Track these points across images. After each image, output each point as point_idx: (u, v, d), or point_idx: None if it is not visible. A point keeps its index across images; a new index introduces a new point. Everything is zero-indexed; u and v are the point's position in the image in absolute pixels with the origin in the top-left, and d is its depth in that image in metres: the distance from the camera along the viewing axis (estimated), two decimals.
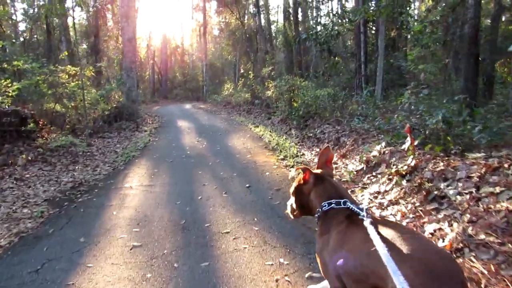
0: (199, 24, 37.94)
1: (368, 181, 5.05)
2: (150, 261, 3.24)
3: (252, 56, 23.21)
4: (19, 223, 4.40)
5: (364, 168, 5.47)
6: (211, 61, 36.69)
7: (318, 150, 7.83)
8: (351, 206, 1.77)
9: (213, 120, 16.17)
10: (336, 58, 22.89)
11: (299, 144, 8.90)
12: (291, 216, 2.21)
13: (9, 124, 8.02)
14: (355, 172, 5.53)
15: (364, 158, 5.56)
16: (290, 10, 24.93)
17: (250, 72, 21.80)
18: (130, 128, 13.08)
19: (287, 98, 12.81)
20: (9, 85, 5.78)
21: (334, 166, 6.24)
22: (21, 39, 20.32)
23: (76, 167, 7.39)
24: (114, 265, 3.20)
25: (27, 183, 6.08)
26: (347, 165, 6.12)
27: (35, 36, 20.97)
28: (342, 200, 1.81)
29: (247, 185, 5.57)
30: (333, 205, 1.81)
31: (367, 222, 1.56)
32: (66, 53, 9.32)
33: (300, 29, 25.35)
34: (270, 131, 11.17)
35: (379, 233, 1.47)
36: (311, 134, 9.35)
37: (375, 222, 1.59)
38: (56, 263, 3.27)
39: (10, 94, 5.65)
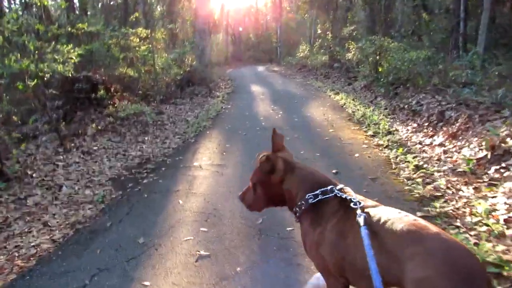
0: None
1: (497, 175, 3.86)
2: (220, 283, 2.52)
3: (331, 14, 21.42)
4: (79, 208, 3.95)
5: (489, 156, 4.25)
6: (285, 21, 35.05)
7: (415, 125, 6.60)
8: (340, 193, 1.57)
9: (288, 85, 15.16)
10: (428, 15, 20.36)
11: (389, 117, 7.67)
12: (249, 209, 1.90)
13: (80, 91, 7.79)
14: (475, 161, 4.33)
15: (489, 143, 4.33)
16: None
17: (328, 32, 20.17)
18: (202, 94, 12.60)
19: (372, 61, 11.36)
20: (71, 50, 5.34)
21: (442, 148, 5.10)
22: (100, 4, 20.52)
23: (146, 138, 6.96)
24: (175, 286, 2.53)
25: (94, 157, 5.71)
26: (460, 149, 4.90)
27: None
28: (329, 188, 1.61)
29: (334, 171, 4.65)
30: (319, 196, 1.59)
31: (359, 212, 1.41)
32: (137, 15, 8.79)
33: None
34: (353, 100, 9.96)
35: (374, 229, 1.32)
36: (403, 105, 8.03)
37: (369, 212, 1.42)
38: (107, 277, 2.67)
39: (73, 61, 5.22)
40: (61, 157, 5.47)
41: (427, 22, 16.31)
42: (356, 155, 5.30)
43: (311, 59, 20.77)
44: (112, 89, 8.67)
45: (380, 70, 11.29)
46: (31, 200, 4.09)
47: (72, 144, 6.08)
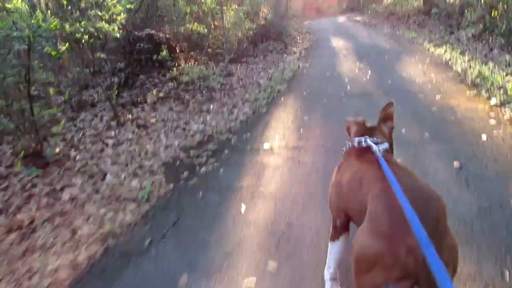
0: None
1: None
2: None
3: None
4: (119, 209, 3.15)
5: None
6: None
7: None
8: (364, 141, 1.75)
9: (375, 37, 13.23)
10: None
11: None
12: None
13: (141, 52, 7.01)
14: None
15: None
16: None
17: None
18: (277, 50, 11.33)
19: (485, 4, 9.13)
20: (117, 5, 4.43)
21: None
22: None
23: (211, 107, 6.03)
24: None
25: (150, 132, 4.91)
26: None
27: None
28: (363, 138, 1.77)
29: (456, 164, 3.32)
30: (355, 143, 1.80)
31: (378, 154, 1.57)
32: None
33: None
34: (461, 54, 8.07)
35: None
36: None
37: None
38: None
39: (119, 18, 4.34)
40: (113, 132, 4.74)
41: None
42: (483, 136, 3.85)
43: (400, 5, 18.17)
44: (178, 48, 7.80)
45: (495, 14, 9.08)
46: (67, 192, 3.39)
47: (129, 116, 5.34)
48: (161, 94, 6.26)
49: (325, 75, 7.92)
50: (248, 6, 11.70)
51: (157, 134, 4.84)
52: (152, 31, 7.27)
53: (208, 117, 5.56)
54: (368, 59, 9.05)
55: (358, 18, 24.06)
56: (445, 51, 8.56)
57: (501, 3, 8.90)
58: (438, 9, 13.17)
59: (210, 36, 9.33)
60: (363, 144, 1.73)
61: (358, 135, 1.84)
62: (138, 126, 4.94)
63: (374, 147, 1.64)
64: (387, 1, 21.34)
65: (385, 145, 1.67)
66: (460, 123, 4.30)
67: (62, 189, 3.44)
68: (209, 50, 8.90)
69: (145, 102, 5.92)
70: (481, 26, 9.49)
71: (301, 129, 4.68)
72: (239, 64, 9.43)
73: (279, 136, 4.51)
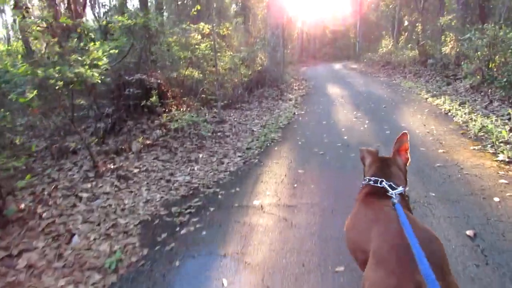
0: None
1: None
2: None
3: (421, 3, 18.81)
4: (80, 282, 2.70)
5: None
6: (364, 15, 32.41)
7: None
8: (380, 183, 1.75)
9: (371, 85, 13.19)
10: None
11: None
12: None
13: (130, 97, 6.75)
14: None
15: None
16: None
17: (417, 24, 17.68)
18: (273, 96, 11.18)
19: (484, 56, 9.07)
20: (98, 50, 4.18)
21: None
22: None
23: (200, 156, 5.68)
24: None
25: (131, 184, 4.52)
26: None
27: None
28: (380, 179, 1.77)
29: (469, 233, 2.93)
30: (371, 182, 1.80)
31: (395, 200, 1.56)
32: (198, 7, 7.55)
33: None
34: (460, 105, 7.88)
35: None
36: None
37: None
38: None
39: (100, 63, 4.06)
40: (90, 184, 4.34)
41: None
42: (495, 199, 3.49)
43: (396, 55, 18.42)
44: (169, 94, 7.56)
45: (492, 66, 9.00)
46: (25, 258, 2.94)
47: (111, 165, 4.96)
48: (148, 142, 5.92)
49: (321, 123, 7.67)
50: (245, 53, 11.69)
51: (138, 187, 4.44)
52: (143, 76, 7.05)
53: (196, 167, 5.19)
54: (365, 108, 8.85)
55: (354, 66, 24.42)
56: (444, 102, 8.39)
57: (497, 55, 8.85)
58: (434, 59, 13.23)
59: (205, 81, 9.17)
60: (379, 185, 1.75)
61: (373, 168, 1.87)
62: (119, 178, 4.55)
63: (391, 192, 1.67)
64: (382, 50, 21.68)
65: (400, 189, 1.69)
66: (468, 182, 3.94)
67: (19, 254, 3.00)
68: (203, 95, 8.69)
69: (130, 150, 5.57)
70: (479, 77, 9.40)
71: (295, 184, 4.30)
72: (234, 110, 9.21)
73: (271, 192, 4.13)
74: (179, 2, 21.55)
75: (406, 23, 21.33)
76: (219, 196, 4.16)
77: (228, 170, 5.06)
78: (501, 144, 5.06)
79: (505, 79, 7.49)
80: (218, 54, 8.02)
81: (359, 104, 9.42)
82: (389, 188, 1.69)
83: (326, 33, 40.64)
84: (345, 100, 10.42)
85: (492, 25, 9.06)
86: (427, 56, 14.47)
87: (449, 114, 7.39)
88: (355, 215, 1.75)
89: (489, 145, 5.15)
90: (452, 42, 12.94)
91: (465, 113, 7.13)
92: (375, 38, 30.81)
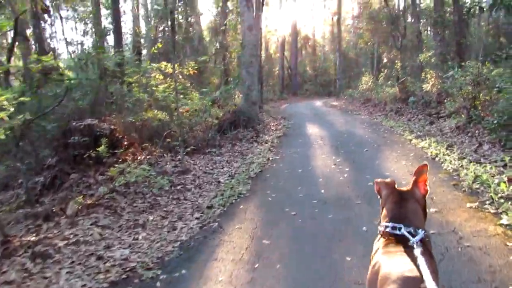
0: (332, 12, 34.49)
1: None
2: None
3: (399, 41, 18.71)
4: None
5: None
6: (344, 51, 32.65)
7: None
8: (403, 233, 1.63)
9: (352, 125, 12.59)
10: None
11: None
12: None
13: (76, 146, 5.87)
14: None
15: None
16: None
17: (396, 61, 17.48)
18: (247, 138, 10.41)
19: (469, 94, 8.54)
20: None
21: None
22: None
23: (151, 218, 4.77)
24: None
25: (49, 265, 3.56)
26: None
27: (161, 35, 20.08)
28: (398, 226, 1.66)
29: None
30: (389, 228, 1.69)
31: (417, 251, 1.48)
32: (160, 45, 6.87)
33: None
34: (447, 149, 7.22)
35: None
36: None
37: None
38: None
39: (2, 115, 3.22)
40: None
41: None
42: None
43: (376, 92, 18.09)
44: (125, 140, 6.71)
45: (477, 104, 8.47)
46: None
47: (30, 237, 4.00)
48: (89, 201, 4.99)
49: (297, 171, 6.86)
50: (218, 93, 11.02)
51: (58, 269, 3.49)
52: (94, 121, 6.22)
53: (141, 235, 4.27)
54: (345, 152, 8.13)
55: (335, 103, 24.08)
56: (429, 145, 7.72)
57: (482, 94, 8.34)
58: (415, 97, 12.78)
59: (173, 124, 8.37)
60: (398, 232, 1.64)
61: (391, 207, 1.77)
62: (34, 256, 3.59)
63: (412, 240, 1.58)
64: (362, 86, 21.42)
65: (422, 234, 1.61)
66: (471, 259, 3.13)
67: None
68: (169, 140, 7.84)
69: (64, 213, 4.63)
70: (464, 117, 8.86)
71: (257, 264, 3.41)
72: (202, 156, 8.37)
73: (224, 278, 3.22)
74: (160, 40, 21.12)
75: (385, 60, 21.18)
76: (158, 283, 3.23)
77: (180, 239, 4.15)
78: (502, 201, 4.32)
79: (495, 121, 6.88)
80: (181, 95, 7.24)
81: (339, 147, 8.70)
82: (409, 236, 1.60)
83: (307, 69, 40.86)
84: (324, 141, 9.71)
85: (475, 62, 8.61)
86: (408, 93, 14.05)
87: (437, 159, 6.69)
88: (377, 270, 1.58)
89: (487, 202, 4.40)
90: (432, 79, 12.55)
91: (454, 159, 6.43)
92: (355, 75, 30.86)
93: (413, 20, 21.99)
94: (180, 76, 7.40)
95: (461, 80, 8.40)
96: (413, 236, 1.59)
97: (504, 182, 4.68)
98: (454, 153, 6.81)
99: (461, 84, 8.44)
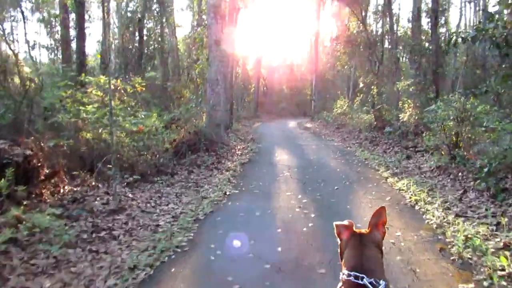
0: (310, 33, 34.14)
1: None
2: None
3: (376, 66, 18.17)
4: None
5: None
6: (321, 73, 32.19)
7: None
8: (367, 282, 1.61)
9: (324, 153, 11.68)
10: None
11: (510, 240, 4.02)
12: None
13: None
14: None
15: None
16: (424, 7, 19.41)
17: (373, 87, 16.84)
18: (207, 164, 9.29)
19: (451, 131, 7.73)
20: None
21: None
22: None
23: (46, 287, 3.56)
24: None
25: None
26: None
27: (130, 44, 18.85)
28: (360, 275, 1.64)
29: None
30: (351, 277, 1.66)
31: None
32: (99, 56, 5.68)
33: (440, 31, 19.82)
34: (428, 193, 6.32)
35: None
36: None
37: None
38: None
39: None
40: None
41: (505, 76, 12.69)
42: None
43: (351, 117, 17.38)
44: (46, 169, 5.47)
45: (459, 143, 7.68)
46: None
47: None
48: None
49: (254, 215, 5.76)
50: (178, 112, 9.89)
51: None
52: (2, 145, 4.97)
53: None
54: (313, 189, 7.12)
55: (309, 124, 23.35)
56: (408, 187, 6.80)
57: (465, 132, 7.55)
58: (391, 128, 12.00)
59: (120, 146, 7.17)
60: (360, 282, 1.63)
61: (352, 255, 1.75)
62: None
63: None
64: (337, 111, 20.75)
65: (383, 285, 1.62)
66: None
67: None
68: (110, 166, 6.61)
69: None
70: (444, 155, 8.05)
71: None
72: (150, 185, 7.19)
73: None
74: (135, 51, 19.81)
75: (361, 84, 20.60)
76: None
77: None
78: (503, 282, 3.36)
79: (481, 166, 6.01)
80: (117, 118, 6.05)
81: (307, 182, 7.69)
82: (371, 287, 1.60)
83: (284, 88, 40.29)
84: (292, 173, 8.69)
85: (457, 96, 7.83)
86: (384, 122, 13.32)
87: (417, 207, 5.76)
88: None
89: (485, 282, 3.43)
90: (410, 109, 11.83)
91: (437, 209, 5.51)
92: (330, 97, 30.37)
93: (390, 47, 21.66)
94: (124, 92, 6.23)
95: (443, 115, 7.58)
96: (375, 286, 1.60)
97: (505, 258, 3.71)
98: (436, 200, 5.89)
99: (443, 119, 7.61)
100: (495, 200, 5.55)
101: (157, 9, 19.77)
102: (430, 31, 20.07)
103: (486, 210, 5.27)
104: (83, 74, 6.08)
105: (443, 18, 23.98)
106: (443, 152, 8.31)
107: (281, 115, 34.28)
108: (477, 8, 27.62)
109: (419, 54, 15.48)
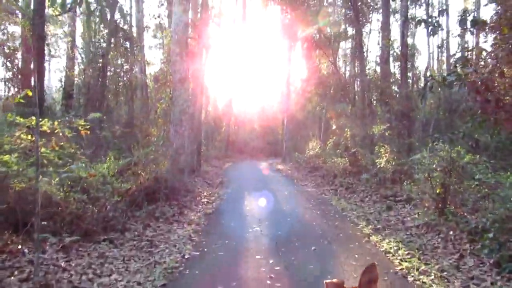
0: (282, 73, 34.24)
1: None
2: None
3: (350, 108, 17.80)
4: None
5: None
6: (292, 113, 31.88)
7: None
8: None
9: (298, 201, 10.79)
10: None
11: None
12: None
13: None
14: None
15: None
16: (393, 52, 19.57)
17: (346, 129, 16.34)
18: (167, 217, 8.16)
19: (437, 183, 7.01)
20: None
21: None
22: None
23: None
24: None
25: None
26: None
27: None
28: None
29: None
30: None
31: None
32: (29, 93, 4.65)
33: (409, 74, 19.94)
34: (420, 259, 5.45)
35: None
36: None
37: None
38: None
39: None
40: None
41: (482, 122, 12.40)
42: None
43: (324, 160, 16.69)
44: None
45: (446, 195, 6.95)
46: None
47: None
48: None
49: None
50: (136, 155, 8.82)
51: None
52: None
53: None
54: (287, 251, 6.11)
55: (281, 166, 22.60)
56: (396, 249, 5.93)
57: (454, 184, 6.84)
58: (368, 174, 11.30)
59: (61, 197, 6.01)
60: None
61: None
62: None
63: None
64: (310, 152, 20.10)
65: None
66: None
67: None
68: (45, 223, 5.43)
69: None
70: (428, 208, 7.31)
71: None
72: (93, 246, 5.98)
73: None
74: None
75: (334, 127, 20.17)
76: None
77: None
78: None
79: (490, 234, 5.18)
80: (47, 169, 4.96)
81: (279, 242, 6.68)
82: None
83: (255, 127, 39.80)
84: (262, 228, 7.68)
85: (443, 145, 7.18)
86: (359, 167, 12.65)
87: (410, 278, 4.86)
88: None
89: None
90: (387, 155, 11.21)
91: (433, 281, 4.64)
92: (302, 138, 29.86)
93: (359, 89, 21.56)
94: (63, 136, 5.17)
95: (429, 166, 6.87)
96: None
97: None
98: (431, 268, 5.03)
99: (429, 169, 6.90)
100: (500, 271, 4.73)
101: (125, 46, 18.95)
102: (398, 73, 20.20)
103: (492, 284, 4.45)
104: (9, 114, 4.98)
105: (411, 62, 24.39)
106: (427, 204, 7.58)
107: (252, 155, 33.55)
108: (443, 54, 28.45)
109: (389, 97, 15.22)
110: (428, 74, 20.62)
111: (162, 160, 9.38)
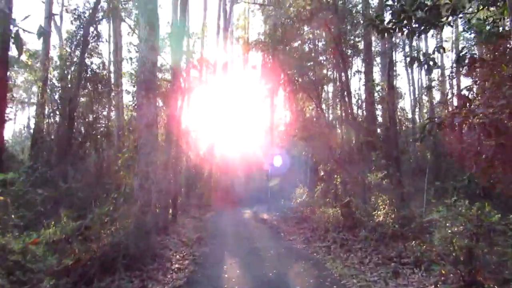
0: (265, 118, 33.56)
1: None
2: None
3: (339, 153, 16.66)
4: None
5: None
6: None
7: None
8: None
9: (286, 264, 9.21)
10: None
11: None
12: None
13: None
14: None
15: None
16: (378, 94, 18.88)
17: (336, 176, 15.06)
18: None
19: (459, 252, 5.64)
20: None
21: None
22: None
23: None
24: None
25: None
26: None
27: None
28: None
29: None
30: None
31: None
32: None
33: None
34: None
35: None
36: None
37: None
38: None
39: None
40: None
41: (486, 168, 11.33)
42: None
43: (313, 210, 15.25)
44: None
45: (473, 265, 5.56)
46: None
47: None
48: None
49: None
50: (89, 219, 7.27)
51: None
52: None
53: None
54: None
55: (266, 216, 20.92)
56: None
57: (483, 251, 5.48)
58: (366, 230, 9.89)
59: None
60: None
61: None
62: None
63: None
64: (296, 200, 18.69)
65: None
66: None
67: None
68: None
69: None
70: (444, 273, 5.91)
71: None
72: None
73: None
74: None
75: (322, 173, 18.91)
76: None
77: None
78: None
79: None
80: None
81: None
82: None
83: (238, 173, 38.33)
84: None
85: (463, 201, 5.89)
86: (355, 219, 11.24)
87: None
88: None
89: None
90: (385, 207, 9.88)
91: None
92: (289, 184, 28.51)
93: (345, 132, 20.62)
94: None
95: (453, 228, 5.53)
96: None
97: None
98: None
99: (452, 234, 5.55)
100: None
101: (98, 90, 17.72)
102: (388, 117, 19.39)
103: None
104: None
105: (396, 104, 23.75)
106: (444, 272, 6.18)
107: (235, 202, 31.84)
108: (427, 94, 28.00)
109: (378, 140, 14.20)
110: (426, 116, 19.88)
111: (124, 221, 7.82)
